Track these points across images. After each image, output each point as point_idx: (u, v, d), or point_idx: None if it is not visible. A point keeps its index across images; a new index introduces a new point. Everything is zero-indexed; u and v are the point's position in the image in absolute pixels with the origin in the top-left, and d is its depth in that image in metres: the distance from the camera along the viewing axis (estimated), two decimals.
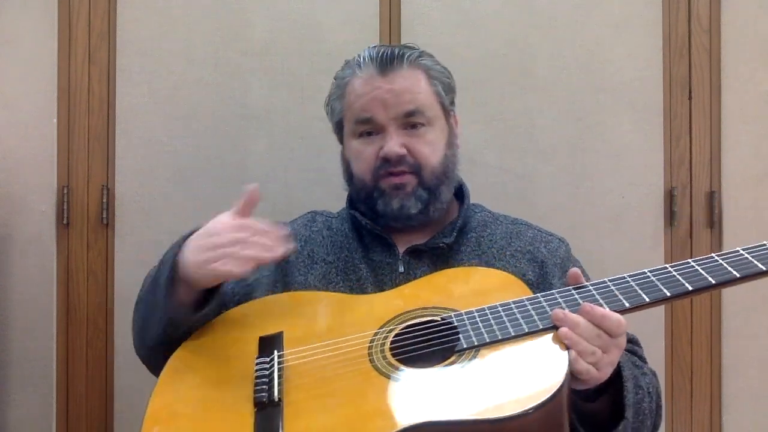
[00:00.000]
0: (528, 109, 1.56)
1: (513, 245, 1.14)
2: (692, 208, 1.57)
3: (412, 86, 1.11)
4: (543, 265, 1.12)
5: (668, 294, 0.87)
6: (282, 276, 1.13)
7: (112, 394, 1.51)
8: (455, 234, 1.13)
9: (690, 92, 1.59)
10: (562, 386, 0.80)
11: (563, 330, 0.86)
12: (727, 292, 1.57)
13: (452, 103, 1.18)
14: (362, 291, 1.10)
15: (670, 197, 1.57)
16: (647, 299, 0.87)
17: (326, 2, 1.55)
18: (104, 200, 1.51)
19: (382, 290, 1.08)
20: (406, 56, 1.12)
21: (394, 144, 1.09)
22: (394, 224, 1.13)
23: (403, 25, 1.55)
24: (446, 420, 0.78)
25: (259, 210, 1.52)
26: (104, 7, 1.52)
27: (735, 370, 1.57)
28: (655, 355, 1.55)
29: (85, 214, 1.51)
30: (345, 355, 0.90)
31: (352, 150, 1.15)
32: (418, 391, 0.84)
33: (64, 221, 1.50)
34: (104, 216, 1.51)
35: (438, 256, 1.12)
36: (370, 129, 1.11)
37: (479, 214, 1.20)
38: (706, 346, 1.58)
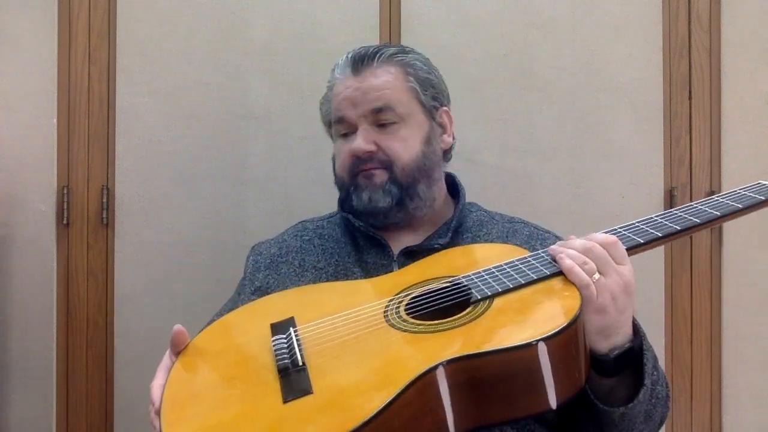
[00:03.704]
0: (528, 109, 1.56)
1: (510, 244, 1.14)
2: None
3: (382, 84, 1.12)
4: None
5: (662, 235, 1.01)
6: (263, 295, 1.12)
7: (112, 394, 1.51)
8: (450, 234, 1.12)
9: (690, 92, 1.58)
10: (577, 316, 0.84)
11: (555, 248, 0.93)
12: (728, 293, 1.57)
13: (436, 98, 1.17)
14: None
15: (670, 197, 1.57)
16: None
17: (326, 2, 1.55)
18: (104, 200, 1.51)
19: None
20: (378, 54, 1.13)
21: (361, 141, 1.11)
22: (373, 221, 1.13)
23: (403, 25, 1.55)
24: (475, 353, 0.80)
25: (259, 210, 1.54)
26: (104, 7, 1.52)
27: (735, 371, 1.57)
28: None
29: (85, 214, 1.51)
30: (361, 322, 0.91)
31: (335, 149, 1.19)
32: (441, 336, 0.86)
33: (64, 221, 1.50)
34: (104, 216, 1.51)
35: None
36: (346, 128, 1.14)
37: (475, 214, 1.20)
38: (706, 346, 1.58)
